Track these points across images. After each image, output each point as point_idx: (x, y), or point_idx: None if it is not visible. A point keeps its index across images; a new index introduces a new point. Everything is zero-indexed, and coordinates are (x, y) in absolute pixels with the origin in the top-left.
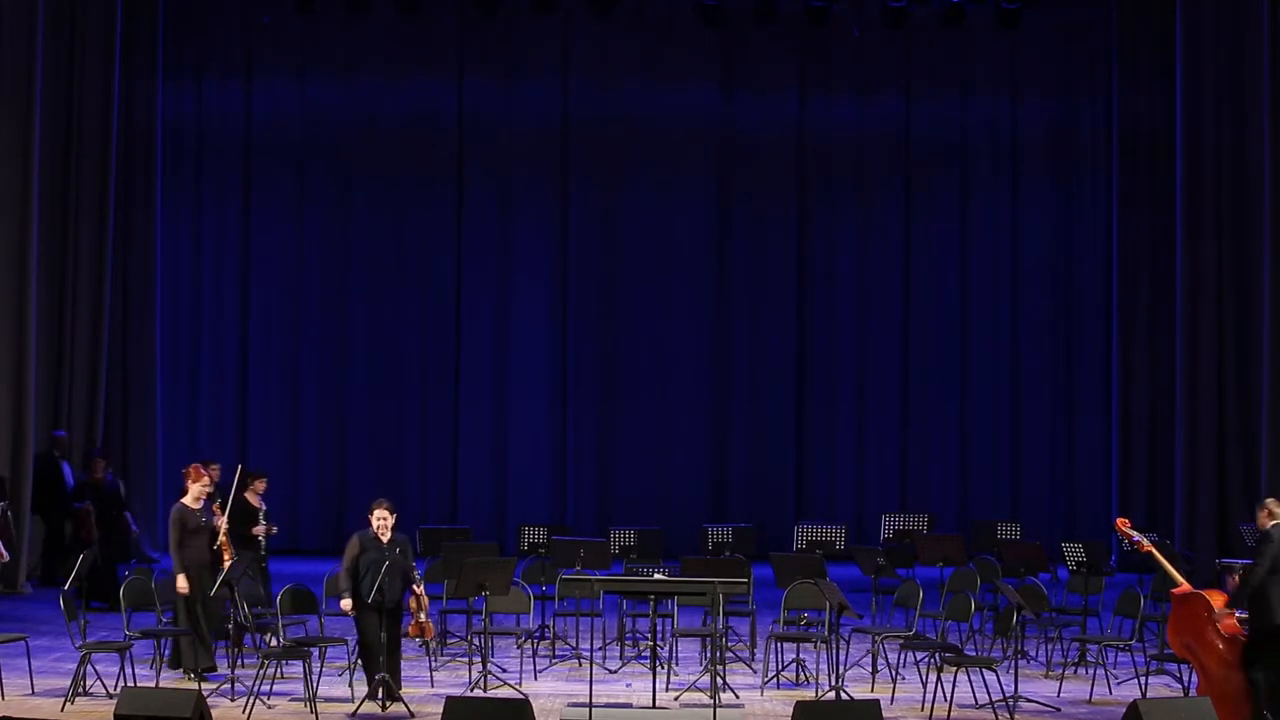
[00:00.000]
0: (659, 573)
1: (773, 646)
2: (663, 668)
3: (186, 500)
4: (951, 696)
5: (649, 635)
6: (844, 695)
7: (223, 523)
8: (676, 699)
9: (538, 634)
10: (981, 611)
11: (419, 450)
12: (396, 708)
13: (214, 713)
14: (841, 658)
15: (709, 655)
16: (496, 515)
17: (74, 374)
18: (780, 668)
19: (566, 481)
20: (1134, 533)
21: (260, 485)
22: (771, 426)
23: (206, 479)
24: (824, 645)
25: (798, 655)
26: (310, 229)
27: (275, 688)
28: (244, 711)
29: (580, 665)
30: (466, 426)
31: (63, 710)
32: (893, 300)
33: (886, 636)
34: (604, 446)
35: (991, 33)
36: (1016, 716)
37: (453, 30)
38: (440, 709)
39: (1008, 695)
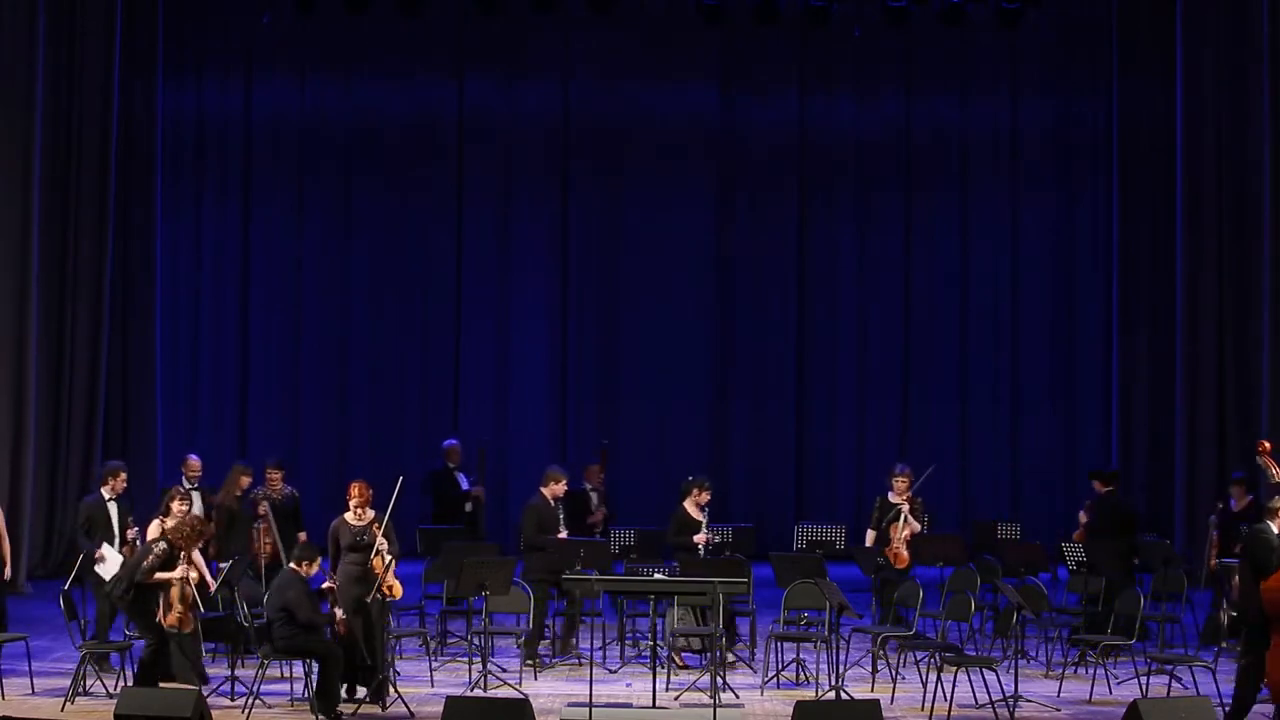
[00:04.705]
0: (659, 573)
1: (773, 646)
2: (663, 668)
3: (348, 516)
4: (951, 696)
5: (649, 635)
6: (844, 695)
7: (381, 541)
8: (676, 699)
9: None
10: (981, 611)
11: (420, 450)
12: (396, 708)
13: (214, 713)
14: (841, 658)
15: (709, 655)
16: (496, 515)
17: (74, 374)
18: (780, 668)
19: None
20: (1275, 461)
21: (703, 496)
22: (771, 426)
23: (357, 496)
24: (824, 645)
25: (798, 655)
26: (310, 229)
27: (275, 687)
28: (244, 711)
29: (580, 665)
30: (467, 425)
31: (63, 710)
32: (893, 300)
33: (886, 636)
34: None
35: (991, 32)
36: (1016, 716)
37: (453, 30)
38: (440, 709)
39: (1008, 695)
